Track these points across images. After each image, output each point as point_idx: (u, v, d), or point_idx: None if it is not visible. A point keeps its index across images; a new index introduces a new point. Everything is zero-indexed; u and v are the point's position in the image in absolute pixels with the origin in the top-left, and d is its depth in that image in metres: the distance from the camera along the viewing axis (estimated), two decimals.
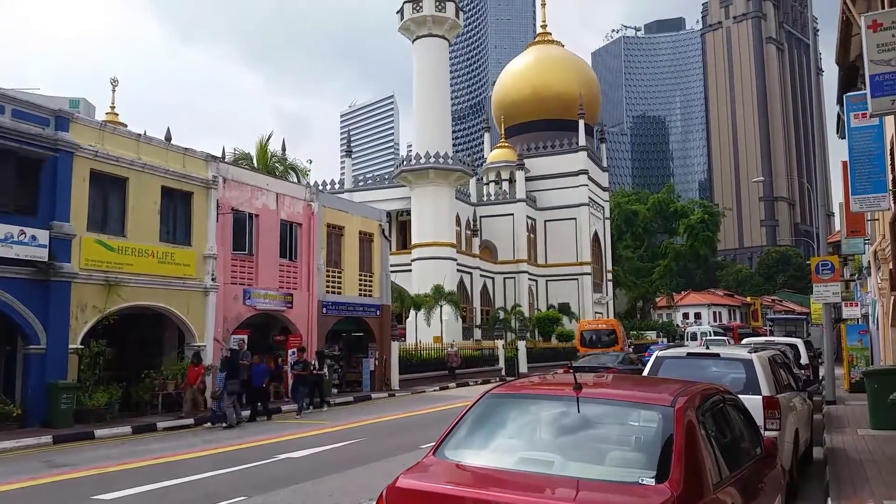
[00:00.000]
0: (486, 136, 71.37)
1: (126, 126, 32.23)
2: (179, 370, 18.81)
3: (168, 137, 30.49)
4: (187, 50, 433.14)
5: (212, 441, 14.45)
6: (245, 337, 20.83)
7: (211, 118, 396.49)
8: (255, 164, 27.84)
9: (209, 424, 16.73)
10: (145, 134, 19.67)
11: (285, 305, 22.65)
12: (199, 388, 18.32)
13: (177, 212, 19.54)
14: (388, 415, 19.07)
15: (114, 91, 37.29)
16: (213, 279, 20.00)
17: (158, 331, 20.36)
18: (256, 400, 18.32)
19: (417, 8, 46.63)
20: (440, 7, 46.70)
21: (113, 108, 37.90)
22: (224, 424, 16.47)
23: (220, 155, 25.12)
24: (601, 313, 62.12)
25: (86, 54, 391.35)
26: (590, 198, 59.56)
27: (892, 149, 13.06)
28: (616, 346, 35.31)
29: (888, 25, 7.35)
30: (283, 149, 32.28)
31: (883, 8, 12.04)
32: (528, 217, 56.80)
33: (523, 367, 37.89)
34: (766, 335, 50.78)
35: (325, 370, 21.15)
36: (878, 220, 18.63)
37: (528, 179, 57.21)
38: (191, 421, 17.07)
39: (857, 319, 27.60)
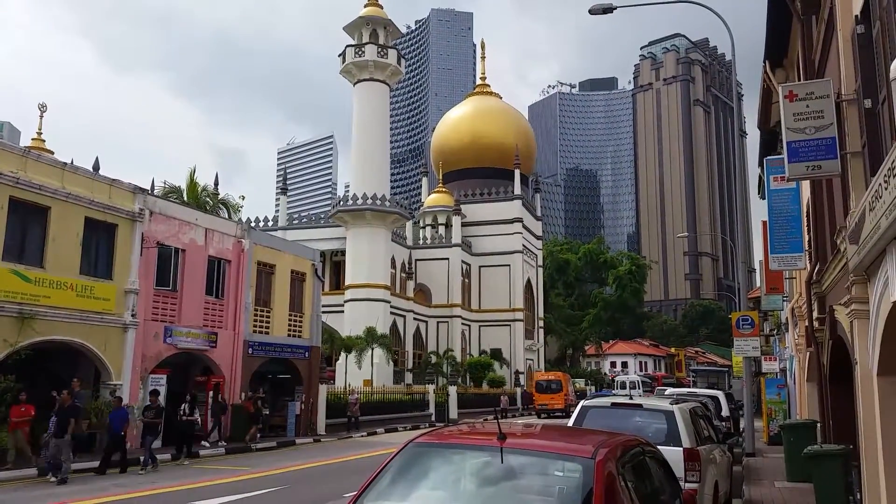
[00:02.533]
0: (425, 180, 72.02)
1: (53, 153, 31.09)
2: (94, 410, 17.91)
3: (96, 167, 29.57)
4: (121, 79, 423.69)
5: (124, 485, 13.72)
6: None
7: (144, 149, 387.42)
8: (186, 198, 27.22)
9: (52, 477, 14.08)
10: (72, 163, 19.02)
11: (208, 345, 21.96)
12: (25, 432, 15.65)
13: (99, 244, 18.85)
14: (312, 461, 18.55)
15: (41, 117, 35.93)
16: (133, 315, 19.27)
17: (73, 367, 19.37)
18: (115, 449, 15.85)
19: (360, 52, 47.13)
20: (382, 53, 47.33)
21: (40, 134, 36.51)
22: (54, 479, 13.95)
23: (149, 187, 24.50)
24: (532, 360, 62.61)
25: (14, 79, 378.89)
26: (524, 245, 60.45)
27: (808, 211, 13.75)
28: (561, 392, 43.28)
29: (802, 96, 7.78)
30: (216, 183, 31.74)
31: (799, 80, 12.81)
32: (463, 262, 57.14)
33: (454, 412, 37.63)
34: (689, 386, 52.54)
35: (196, 416, 18.80)
36: (795, 278, 19.48)
37: (464, 225, 57.76)
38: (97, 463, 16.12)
39: (776, 373, 28.58)
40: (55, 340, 17.42)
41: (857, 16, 7.58)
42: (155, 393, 17.61)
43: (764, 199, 15.35)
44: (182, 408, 18.37)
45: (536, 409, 43.46)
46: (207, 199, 28.72)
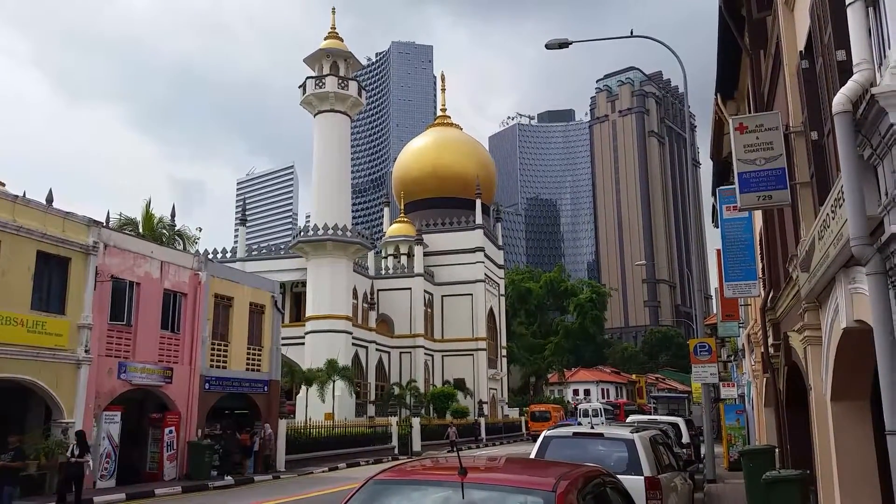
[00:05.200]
0: (386, 210, 72.02)
1: (4, 185, 30.33)
2: (44, 449, 17.26)
3: (50, 200, 28.89)
4: (75, 109, 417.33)
5: None
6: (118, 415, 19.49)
7: (100, 180, 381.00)
8: (141, 231, 26.73)
9: None
10: (24, 195, 18.58)
11: (164, 381, 21.41)
12: None
13: (52, 278, 18.35)
14: (271, 499, 18.08)
15: None
16: (86, 351, 18.73)
17: (22, 405, 18.71)
18: None
19: (320, 84, 47.22)
20: (343, 85, 47.49)
21: None
22: None
23: (104, 219, 24.01)
24: (495, 389, 62.48)
25: None
26: (486, 274, 60.62)
27: (761, 240, 14.08)
28: (551, 420, 48.77)
29: (752, 128, 8.01)
30: (173, 215, 31.23)
31: (749, 111, 13.20)
32: (425, 292, 57.00)
33: (417, 445, 37.22)
34: (650, 412, 53.19)
35: (88, 458, 16.51)
36: (750, 305, 19.86)
37: (426, 255, 57.75)
38: None
39: (735, 399, 28.93)
40: (3, 378, 16.81)
41: (801, 51, 7.87)
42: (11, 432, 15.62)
43: (718, 227, 15.69)
44: (70, 449, 16.23)
45: (531, 434, 49.95)
46: (164, 231, 28.25)
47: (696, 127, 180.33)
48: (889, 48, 4.33)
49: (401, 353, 55.02)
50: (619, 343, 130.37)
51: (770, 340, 12.52)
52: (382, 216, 73.03)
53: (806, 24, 7.41)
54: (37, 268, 17.66)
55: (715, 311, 30.94)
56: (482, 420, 50.76)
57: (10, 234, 17.02)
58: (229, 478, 21.52)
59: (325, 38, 49.85)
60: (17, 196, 18.11)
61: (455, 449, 4.72)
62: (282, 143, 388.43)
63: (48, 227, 18.11)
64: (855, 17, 4.68)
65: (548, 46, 17.61)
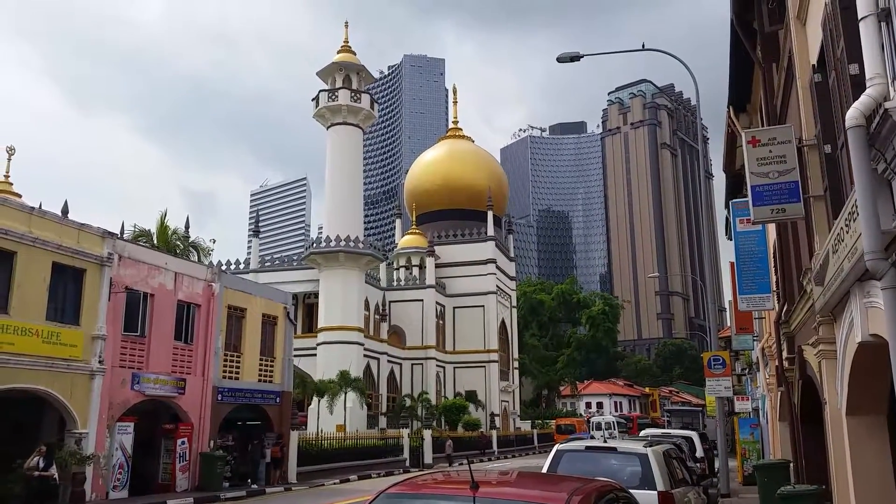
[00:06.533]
0: (398, 222, 72.18)
1: (20, 196, 30.72)
2: (57, 460, 17.34)
3: (65, 211, 29.25)
4: (88, 120, 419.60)
5: None
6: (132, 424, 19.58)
7: (113, 191, 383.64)
8: (156, 242, 26.93)
9: None
10: (40, 207, 18.80)
11: (177, 391, 21.49)
12: None
13: (67, 289, 18.50)
14: None
15: (9, 160, 35.53)
16: (100, 361, 18.84)
17: (36, 415, 18.84)
18: None
19: (333, 97, 47.55)
20: (355, 98, 47.80)
21: (7, 177, 36.06)
22: None
23: (118, 230, 24.23)
24: (507, 401, 62.26)
25: None
26: (497, 286, 60.53)
27: (774, 253, 14.00)
28: (575, 432, 49.34)
29: (765, 142, 7.99)
30: (187, 227, 31.45)
31: (762, 124, 13.17)
32: (437, 303, 56.99)
33: (428, 457, 37.10)
34: (664, 426, 52.99)
35: (53, 471, 16.00)
36: (764, 318, 19.71)
37: (437, 266, 57.76)
38: None
39: (749, 413, 28.66)
40: (18, 389, 16.93)
41: (813, 65, 7.86)
42: None
43: (731, 240, 15.61)
44: (35, 461, 15.81)
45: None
46: (178, 243, 28.45)
47: (708, 139, 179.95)
48: None
49: (412, 364, 54.96)
50: (632, 356, 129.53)
51: (784, 354, 12.42)
52: (394, 228, 73.21)
53: (818, 38, 7.40)
54: (52, 279, 17.81)
55: (729, 324, 30.73)
56: (494, 432, 50.54)
57: (27, 245, 17.18)
58: (256, 485, 22.66)
59: (338, 52, 50.23)
60: (33, 208, 18.34)
61: (469, 463, 4.71)
62: (292, 155, 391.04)
63: (63, 239, 18.27)
64: (867, 32, 4.67)
65: (559, 60, 17.63)
